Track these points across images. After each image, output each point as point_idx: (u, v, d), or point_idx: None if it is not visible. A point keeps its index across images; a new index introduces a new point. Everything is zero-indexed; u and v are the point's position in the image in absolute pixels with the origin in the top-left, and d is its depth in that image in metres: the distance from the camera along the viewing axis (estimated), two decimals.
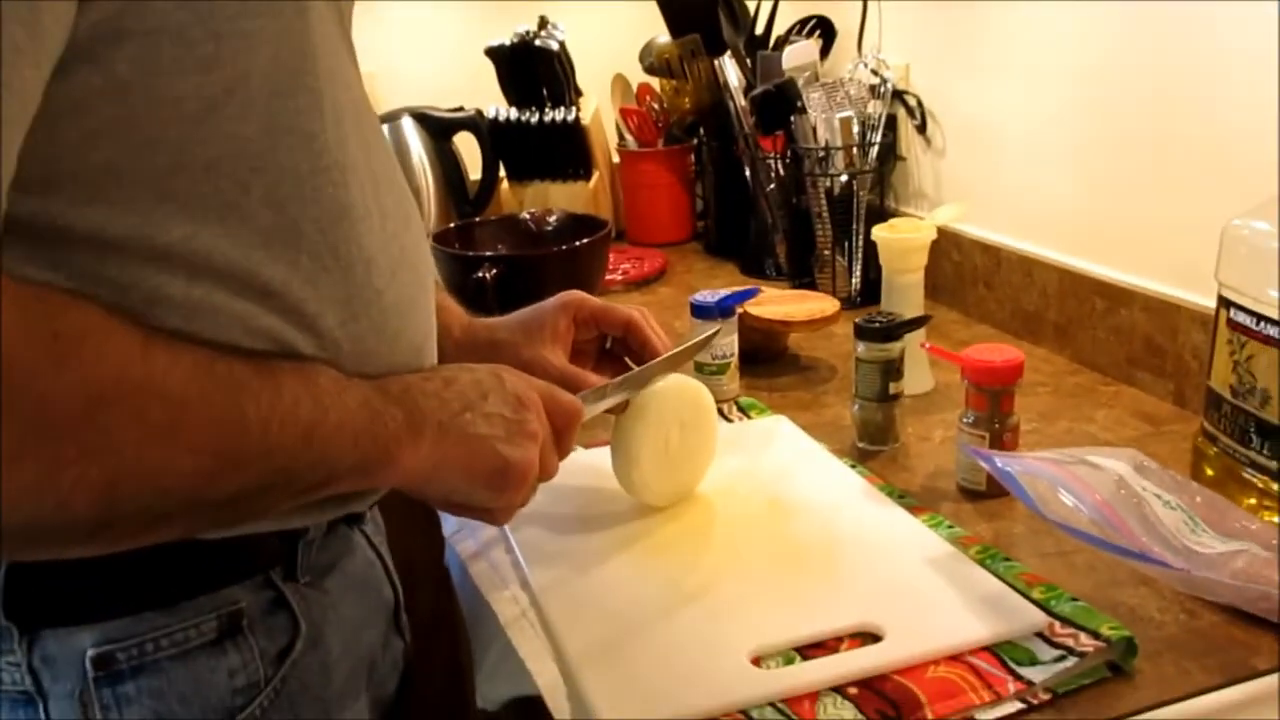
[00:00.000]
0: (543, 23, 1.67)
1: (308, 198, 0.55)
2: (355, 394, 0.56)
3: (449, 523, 0.87)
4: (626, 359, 0.85)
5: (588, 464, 0.90)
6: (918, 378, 1.07)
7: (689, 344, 0.88)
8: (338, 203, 0.56)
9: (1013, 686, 0.64)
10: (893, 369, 0.96)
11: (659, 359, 0.82)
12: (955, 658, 0.66)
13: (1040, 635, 0.68)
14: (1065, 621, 0.69)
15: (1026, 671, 0.65)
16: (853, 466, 0.92)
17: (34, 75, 0.44)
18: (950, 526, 0.82)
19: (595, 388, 0.76)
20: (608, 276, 1.48)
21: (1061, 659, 0.66)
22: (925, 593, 0.73)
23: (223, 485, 0.50)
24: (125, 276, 0.49)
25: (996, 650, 0.67)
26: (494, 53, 1.67)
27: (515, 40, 1.65)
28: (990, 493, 0.88)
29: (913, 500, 0.87)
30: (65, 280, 0.48)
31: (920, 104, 1.41)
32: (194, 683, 0.57)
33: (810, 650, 0.68)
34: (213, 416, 0.49)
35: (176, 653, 0.56)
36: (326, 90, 0.55)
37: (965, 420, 0.89)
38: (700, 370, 1.09)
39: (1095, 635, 0.67)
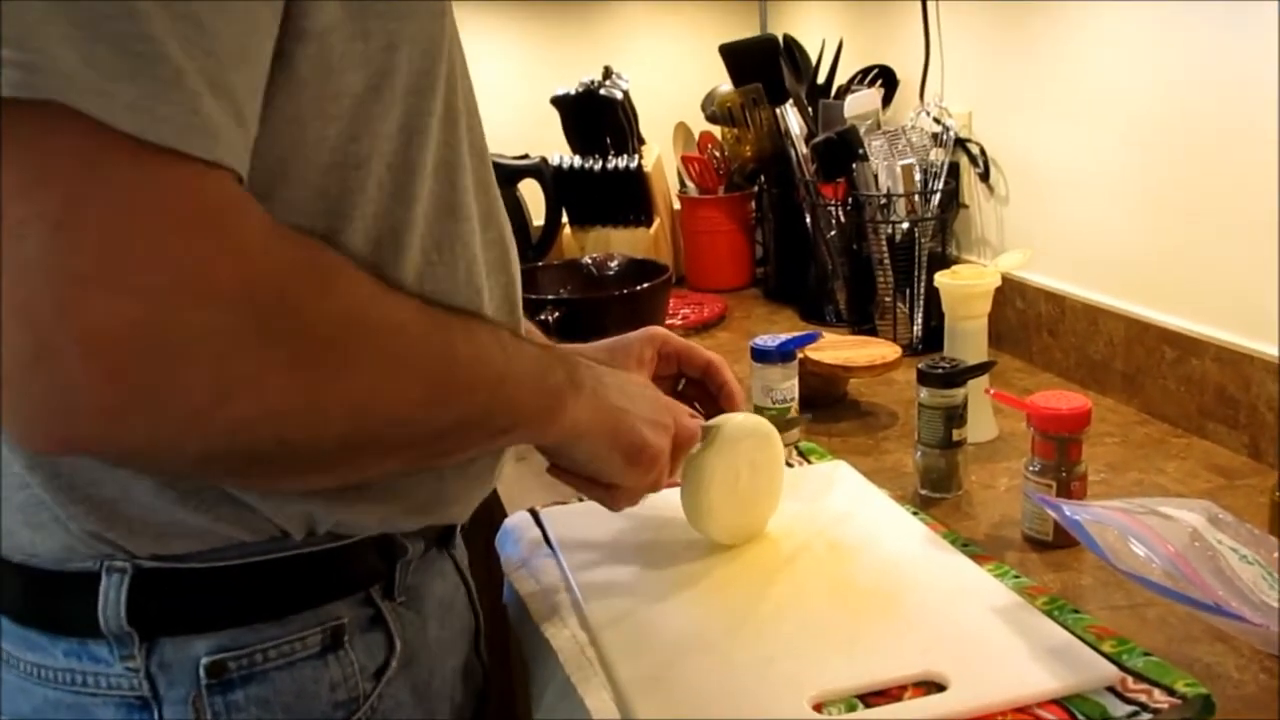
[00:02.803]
0: (607, 73, 1.70)
1: (428, 196, 0.58)
2: (529, 347, 0.61)
3: (509, 556, 0.88)
4: (696, 405, 0.85)
5: (648, 503, 0.90)
6: (981, 425, 1.06)
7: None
8: (449, 202, 0.59)
9: None
10: (956, 415, 0.95)
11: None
12: (1022, 710, 0.65)
13: (1112, 690, 0.66)
14: (1138, 676, 0.67)
15: None
16: (915, 513, 0.91)
17: (269, 53, 0.47)
18: (1016, 576, 0.81)
19: (705, 424, 0.79)
20: (668, 321, 1.49)
21: (1135, 715, 0.64)
22: (991, 642, 0.71)
23: (438, 417, 0.54)
24: None
25: (1066, 704, 0.65)
26: (559, 101, 1.71)
27: (580, 89, 1.68)
28: (1057, 543, 0.86)
29: (977, 549, 0.85)
30: None
31: (983, 151, 1.41)
32: (298, 694, 0.58)
33: (873, 698, 0.67)
34: (432, 350, 0.54)
35: (283, 663, 0.58)
36: (442, 91, 0.58)
37: (1031, 468, 0.87)
38: (760, 414, 1.08)
39: (1170, 691, 0.65)
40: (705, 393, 0.86)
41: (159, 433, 0.45)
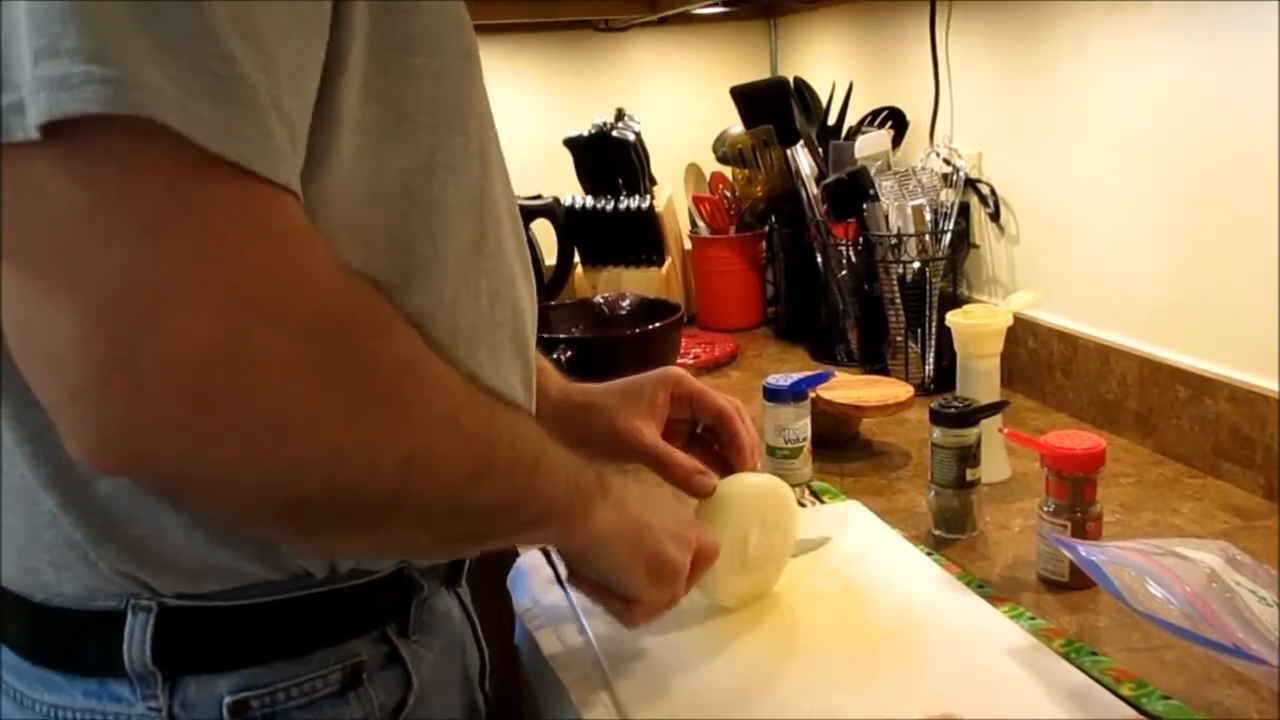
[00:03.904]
0: (620, 114, 1.72)
1: (454, 232, 0.58)
2: (562, 444, 0.60)
3: (521, 597, 0.87)
4: (716, 447, 0.85)
5: None
6: (995, 465, 1.05)
7: (802, 539, 0.87)
8: (477, 238, 0.60)
9: None
10: (969, 455, 0.94)
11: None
12: None
13: None
14: None
15: None
16: (929, 554, 0.91)
17: (317, 83, 0.48)
18: (1032, 618, 0.80)
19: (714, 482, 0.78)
20: (679, 361, 1.49)
21: None
22: (1007, 685, 0.71)
23: (477, 492, 0.53)
24: None
25: None
26: (572, 143, 1.72)
27: (593, 131, 1.70)
28: (1073, 584, 0.85)
29: (992, 590, 0.85)
30: None
31: (993, 191, 1.41)
32: None
33: None
34: (478, 419, 0.53)
35: (305, 702, 0.58)
36: (476, 131, 0.59)
37: (1045, 509, 0.87)
38: (772, 454, 1.08)
39: None
40: (720, 440, 0.85)
41: (221, 458, 0.44)
